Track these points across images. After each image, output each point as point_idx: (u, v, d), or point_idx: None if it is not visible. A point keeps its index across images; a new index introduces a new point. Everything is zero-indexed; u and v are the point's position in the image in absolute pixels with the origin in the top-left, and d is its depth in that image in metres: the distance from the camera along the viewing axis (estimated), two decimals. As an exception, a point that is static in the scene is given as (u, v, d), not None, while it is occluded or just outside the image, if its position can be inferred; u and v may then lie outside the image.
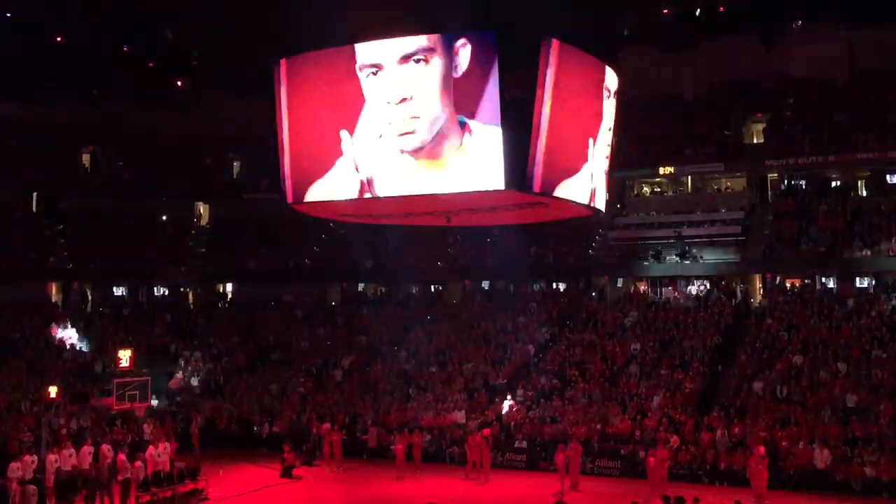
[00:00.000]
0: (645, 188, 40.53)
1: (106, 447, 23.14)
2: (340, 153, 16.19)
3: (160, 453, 23.07)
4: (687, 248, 35.00)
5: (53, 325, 36.92)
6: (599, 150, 17.69)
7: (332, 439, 26.73)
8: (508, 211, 17.96)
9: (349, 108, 15.66)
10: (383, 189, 15.90)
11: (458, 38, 14.57)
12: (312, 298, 42.75)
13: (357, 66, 15.22)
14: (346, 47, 15.73)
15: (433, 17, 15.59)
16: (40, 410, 26.42)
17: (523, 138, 14.89)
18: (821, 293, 32.77)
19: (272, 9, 34.65)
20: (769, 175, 37.73)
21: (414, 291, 41.90)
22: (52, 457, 21.80)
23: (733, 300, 33.56)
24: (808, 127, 36.59)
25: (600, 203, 18.18)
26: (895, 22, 37.23)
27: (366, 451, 28.26)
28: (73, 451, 22.45)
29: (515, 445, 26.93)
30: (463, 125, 14.80)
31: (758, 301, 34.00)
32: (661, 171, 37.99)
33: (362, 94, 15.37)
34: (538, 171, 15.07)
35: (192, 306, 43.59)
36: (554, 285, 38.89)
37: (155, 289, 44.31)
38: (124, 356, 28.58)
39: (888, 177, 35.33)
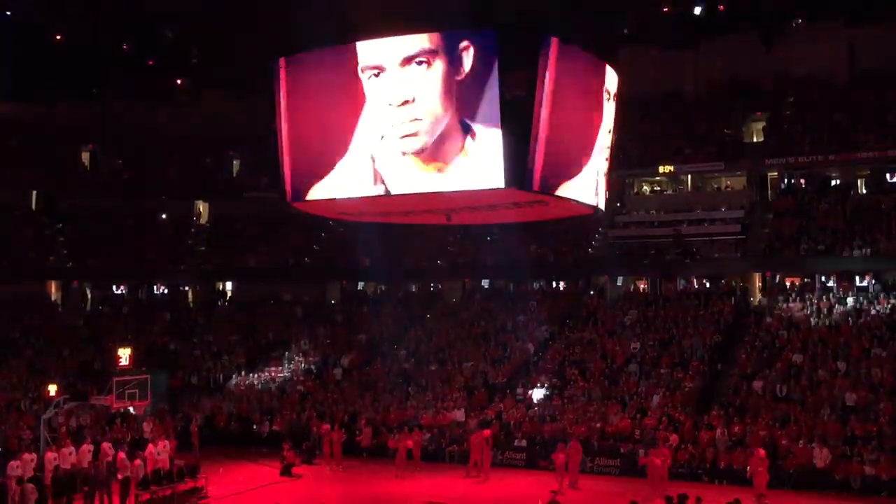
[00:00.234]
0: (645, 187, 40.54)
1: (106, 445, 23.17)
2: (340, 152, 16.21)
3: (160, 451, 23.08)
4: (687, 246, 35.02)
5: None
6: (599, 149, 17.69)
7: (331, 438, 26.73)
8: (508, 209, 17.98)
9: (349, 107, 15.67)
10: (383, 188, 15.91)
11: (460, 39, 14.58)
12: (312, 297, 42.78)
13: (359, 68, 15.23)
14: (346, 47, 15.74)
15: (434, 17, 15.57)
16: (40, 409, 26.42)
17: (523, 137, 14.90)
18: (820, 292, 32.77)
19: (272, 8, 34.66)
20: (769, 174, 37.74)
21: (414, 290, 41.88)
22: (50, 455, 21.81)
23: (733, 299, 33.57)
24: (807, 126, 36.59)
25: (600, 202, 18.19)
26: (895, 21, 37.24)
27: (359, 450, 28.15)
28: (72, 449, 22.46)
29: (515, 444, 26.93)
30: (466, 128, 14.81)
31: (757, 300, 34.01)
32: (661, 169, 37.99)
33: (363, 94, 15.38)
34: (537, 169, 15.08)
35: (191, 305, 43.59)
36: (554, 284, 38.88)
37: (155, 287, 44.31)
38: (124, 355, 28.57)
39: (888, 176, 35.33)
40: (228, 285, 45.35)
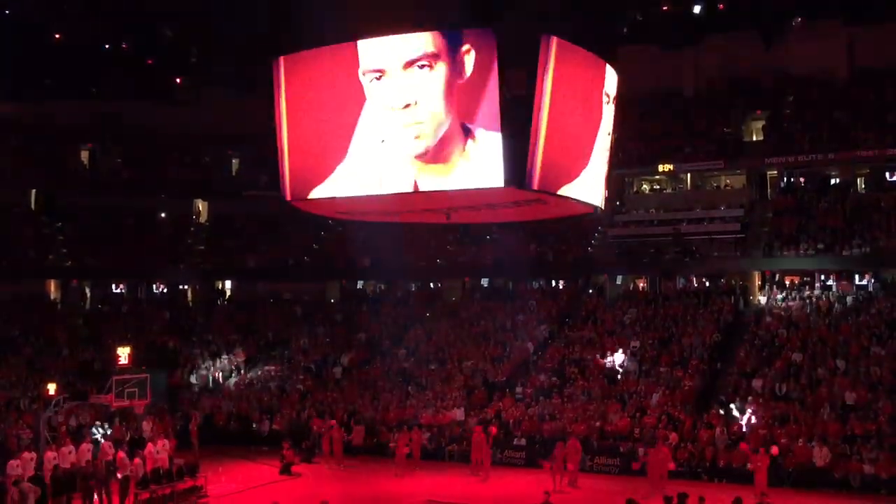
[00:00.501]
0: (644, 185, 40.53)
1: (107, 444, 23.17)
2: (340, 151, 16.20)
3: (159, 450, 23.08)
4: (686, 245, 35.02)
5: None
6: (599, 147, 17.68)
7: (332, 436, 26.73)
8: (508, 208, 17.97)
9: (350, 106, 15.67)
10: (383, 187, 15.91)
11: (461, 41, 14.57)
12: (312, 296, 42.80)
13: (360, 71, 15.23)
14: (345, 46, 15.73)
15: (434, 17, 15.58)
16: (39, 408, 26.42)
17: (522, 136, 14.90)
18: (820, 290, 32.78)
19: (272, 6, 34.66)
20: (769, 172, 37.74)
21: (413, 289, 41.89)
22: (50, 454, 21.82)
23: (732, 297, 33.58)
24: (807, 125, 36.58)
25: (599, 200, 18.18)
26: (895, 20, 37.23)
27: (351, 448, 28.00)
28: (72, 448, 22.46)
29: (514, 443, 26.95)
30: (466, 130, 14.82)
31: (756, 298, 34.02)
32: (661, 168, 37.97)
33: (363, 94, 15.38)
34: (537, 168, 15.08)
35: (191, 304, 43.59)
36: (553, 283, 38.87)
37: (154, 286, 44.30)
38: (123, 353, 28.56)
39: (887, 174, 35.33)
40: (228, 284, 45.36)
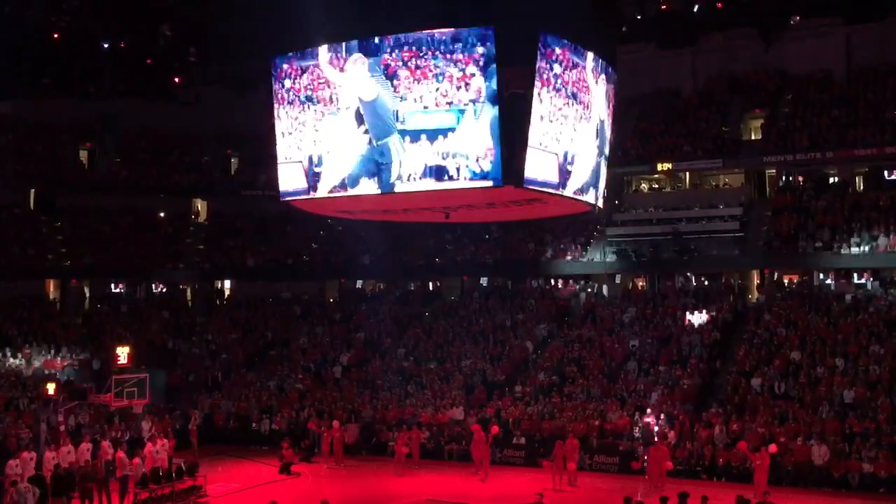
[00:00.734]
0: (643, 185, 40.52)
1: (106, 444, 23.15)
2: (337, 150, 16.22)
3: (158, 450, 23.08)
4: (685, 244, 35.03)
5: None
6: (598, 146, 17.71)
7: (333, 436, 26.72)
8: (506, 207, 18.01)
9: (345, 106, 15.71)
10: (381, 186, 15.92)
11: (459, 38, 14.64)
12: (311, 295, 42.79)
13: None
14: (342, 45, 15.76)
15: (433, 14, 15.56)
16: (38, 408, 26.38)
17: (521, 134, 14.92)
18: (819, 289, 32.80)
19: (271, 5, 34.56)
20: (767, 171, 37.74)
21: (412, 288, 41.89)
22: (49, 454, 21.81)
23: (731, 296, 33.59)
24: (806, 123, 36.58)
25: (598, 199, 18.21)
26: (893, 18, 37.19)
27: (345, 448, 27.84)
28: (71, 447, 22.46)
29: (514, 442, 26.96)
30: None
31: (755, 297, 34.03)
32: (659, 167, 37.95)
33: (359, 93, 15.41)
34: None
35: (190, 303, 43.56)
36: (552, 281, 38.88)
37: (153, 286, 44.28)
38: (122, 353, 28.56)
39: (886, 172, 35.30)
40: (227, 284, 45.33)
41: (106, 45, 38.88)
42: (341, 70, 15.67)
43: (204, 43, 39.13)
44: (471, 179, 14.78)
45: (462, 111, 14.08)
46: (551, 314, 35.15)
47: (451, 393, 30.34)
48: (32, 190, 42.58)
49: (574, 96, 16.30)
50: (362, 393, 31.94)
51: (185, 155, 46.30)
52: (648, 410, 26.50)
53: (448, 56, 13.74)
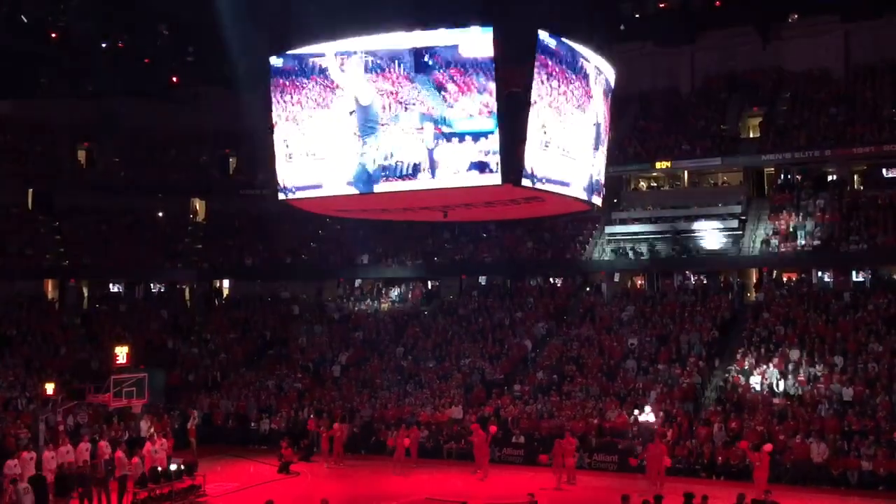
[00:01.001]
0: (642, 183, 40.54)
1: (104, 444, 23.11)
2: (335, 149, 16.21)
3: (157, 450, 23.05)
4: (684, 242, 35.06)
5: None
6: (596, 145, 17.70)
7: (333, 435, 26.69)
8: (505, 206, 17.98)
9: (343, 105, 15.71)
10: (379, 185, 15.91)
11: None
12: (309, 294, 42.78)
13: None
14: (339, 43, 15.76)
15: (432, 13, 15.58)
16: (37, 408, 26.36)
17: (519, 133, 14.93)
18: (817, 287, 32.81)
19: (270, 4, 34.55)
20: (766, 169, 37.76)
21: (411, 287, 41.86)
22: (48, 454, 21.79)
23: (730, 294, 33.60)
24: (804, 121, 36.60)
25: (597, 198, 18.20)
26: (891, 16, 37.24)
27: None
28: (69, 447, 22.43)
29: (513, 441, 26.96)
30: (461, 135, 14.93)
31: (754, 295, 34.04)
32: (658, 165, 37.98)
33: (356, 93, 15.42)
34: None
35: (188, 303, 43.54)
36: (551, 280, 38.90)
37: (151, 285, 44.26)
38: (121, 353, 28.53)
39: (884, 170, 35.33)
40: (226, 283, 45.32)
41: (104, 45, 38.86)
42: (341, 70, 15.69)
43: (202, 42, 39.12)
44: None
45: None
46: (550, 313, 35.15)
47: (450, 392, 30.34)
48: (30, 190, 42.56)
49: (578, 95, 16.36)
50: (361, 392, 31.94)
51: (183, 155, 46.30)
52: (647, 409, 26.50)
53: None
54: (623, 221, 37.64)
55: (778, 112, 38.37)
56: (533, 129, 15.19)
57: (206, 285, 44.18)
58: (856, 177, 36.48)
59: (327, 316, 40.03)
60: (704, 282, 35.66)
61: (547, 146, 15.69)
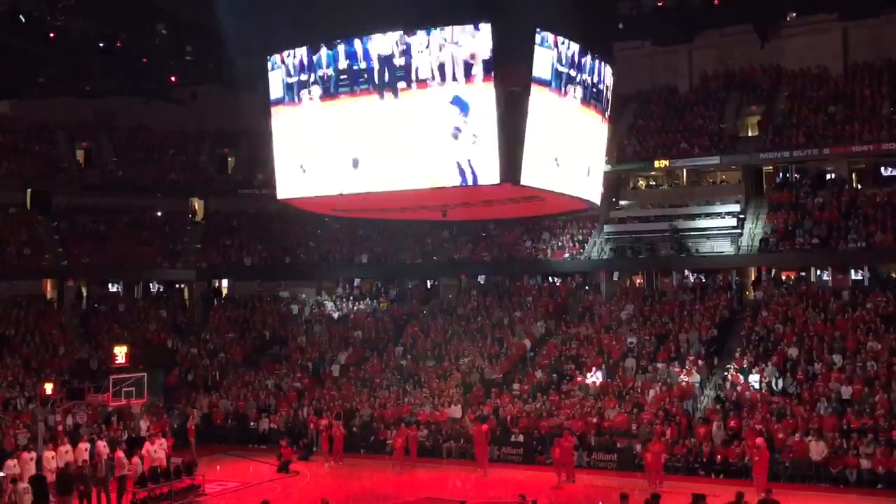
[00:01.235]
0: (640, 181, 40.52)
1: (101, 444, 23.06)
2: (333, 149, 16.22)
3: (156, 449, 23.05)
4: (682, 241, 35.04)
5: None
6: (595, 144, 17.71)
7: (332, 434, 26.69)
8: (504, 205, 17.99)
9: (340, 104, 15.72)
10: (378, 184, 15.92)
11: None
12: (308, 293, 42.76)
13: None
14: (332, 43, 15.77)
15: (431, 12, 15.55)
16: (36, 408, 26.38)
17: (518, 132, 14.92)
18: (816, 285, 32.83)
19: (268, 3, 34.50)
20: (764, 168, 37.74)
21: (410, 286, 41.88)
22: (48, 454, 21.78)
23: (728, 293, 33.62)
24: (802, 119, 36.59)
25: (596, 196, 18.20)
26: (889, 14, 37.18)
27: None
28: (68, 447, 22.42)
29: (512, 439, 26.97)
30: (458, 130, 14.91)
31: (753, 294, 34.04)
32: (657, 164, 37.95)
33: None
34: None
35: (187, 302, 43.53)
36: (550, 279, 38.90)
37: (150, 285, 44.25)
38: (120, 352, 28.55)
39: (883, 169, 35.32)
40: (224, 283, 45.30)
41: (102, 44, 38.78)
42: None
43: (200, 41, 39.05)
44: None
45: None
46: (549, 312, 35.15)
47: (449, 391, 30.34)
48: (29, 189, 42.51)
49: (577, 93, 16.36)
50: (360, 391, 31.94)
51: (181, 154, 46.29)
52: (646, 408, 26.51)
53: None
54: (622, 220, 37.64)
55: (776, 110, 38.34)
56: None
57: (204, 285, 44.17)
58: (854, 175, 36.47)
59: (326, 315, 40.03)
60: (703, 280, 35.67)
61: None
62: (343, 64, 15.62)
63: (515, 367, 31.97)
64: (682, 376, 28.04)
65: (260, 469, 26.18)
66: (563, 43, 15.50)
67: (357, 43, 15.42)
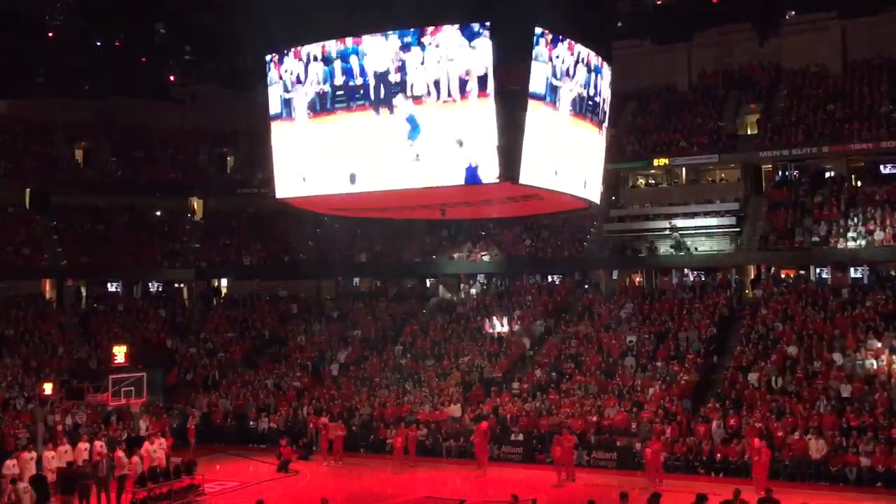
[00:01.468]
0: (639, 180, 40.52)
1: (98, 444, 22.99)
2: (331, 148, 16.21)
3: (156, 449, 23.03)
4: (682, 239, 35.04)
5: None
6: (594, 142, 17.70)
7: (334, 434, 26.69)
8: (503, 203, 17.99)
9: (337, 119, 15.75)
10: (376, 183, 15.91)
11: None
12: (308, 293, 42.75)
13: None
14: (331, 42, 15.76)
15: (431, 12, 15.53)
16: (35, 408, 26.36)
17: (517, 131, 14.90)
18: (815, 284, 32.83)
19: (267, 2, 34.47)
20: (763, 166, 37.72)
21: (409, 285, 41.87)
22: (48, 454, 21.77)
23: (728, 291, 33.63)
24: (801, 118, 36.59)
25: (595, 195, 18.19)
26: (888, 12, 37.18)
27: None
28: (68, 447, 22.41)
29: (511, 438, 26.97)
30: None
31: (752, 292, 34.05)
32: (656, 162, 37.96)
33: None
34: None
35: (186, 302, 43.51)
36: (549, 278, 38.90)
37: (149, 285, 44.23)
38: (119, 352, 28.53)
39: (882, 167, 35.33)
40: (223, 282, 45.29)
41: (101, 44, 38.74)
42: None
43: (199, 41, 39.02)
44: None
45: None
46: (548, 310, 35.15)
47: (449, 390, 30.34)
48: (28, 189, 42.48)
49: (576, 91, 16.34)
50: (360, 391, 31.94)
51: (180, 153, 46.23)
52: (646, 406, 26.52)
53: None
54: (621, 219, 37.63)
55: (775, 109, 38.33)
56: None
57: (204, 284, 44.16)
58: (853, 173, 36.47)
59: (326, 314, 40.04)
60: (702, 279, 35.68)
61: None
62: (339, 80, 15.67)
63: (515, 366, 31.97)
64: (681, 374, 28.05)
65: (260, 468, 26.17)
66: (557, 57, 15.49)
67: (353, 59, 15.47)
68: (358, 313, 39.09)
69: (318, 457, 27.13)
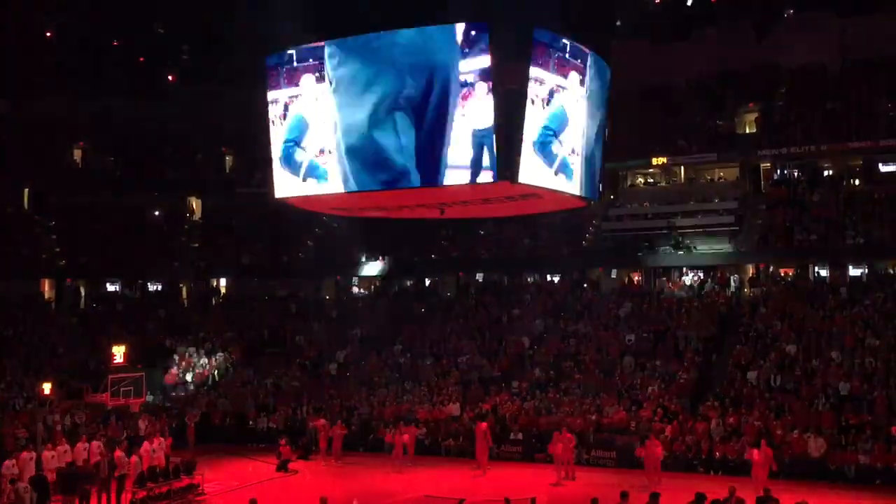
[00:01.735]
0: (639, 179, 40.57)
1: (96, 444, 22.97)
2: (330, 147, 16.20)
3: (155, 449, 23.03)
4: (680, 238, 35.07)
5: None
6: (593, 141, 17.69)
7: (332, 433, 26.70)
8: (502, 203, 17.97)
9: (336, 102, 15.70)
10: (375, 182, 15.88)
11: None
12: (307, 293, 42.76)
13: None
14: (333, 41, 15.74)
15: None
16: (35, 408, 26.36)
17: (515, 130, 14.91)
18: (814, 282, 32.87)
19: (267, 3, 34.56)
20: (762, 165, 37.80)
21: (408, 284, 41.89)
22: (48, 454, 21.77)
23: (727, 290, 33.66)
24: (800, 116, 36.64)
25: (594, 194, 18.17)
26: (886, 11, 37.28)
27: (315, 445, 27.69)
28: (67, 447, 22.40)
29: (511, 437, 26.98)
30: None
31: (751, 291, 34.08)
32: (654, 161, 38.03)
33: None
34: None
35: (185, 301, 43.50)
36: (548, 277, 38.92)
37: (148, 284, 44.22)
38: (118, 352, 28.53)
39: (880, 166, 35.40)
40: (223, 282, 45.28)
41: (100, 44, 38.83)
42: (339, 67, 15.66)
43: (199, 41, 39.12)
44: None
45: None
46: (547, 309, 35.17)
47: (448, 389, 30.36)
48: (26, 189, 42.48)
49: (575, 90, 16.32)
50: (359, 390, 31.95)
51: (178, 153, 46.20)
52: (645, 405, 26.54)
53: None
54: (620, 218, 37.66)
55: (774, 107, 38.41)
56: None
57: (203, 284, 44.15)
58: (851, 172, 36.53)
59: (325, 314, 40.04)
60: (701, 277, 35.71)
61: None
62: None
63: (514, 365, 31.98)
64: (680, 373, 28.07)
65: (259, 468, 26.17)
66: (553, 67, 15.53)
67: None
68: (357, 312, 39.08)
69: (318, 456, 27.13)
